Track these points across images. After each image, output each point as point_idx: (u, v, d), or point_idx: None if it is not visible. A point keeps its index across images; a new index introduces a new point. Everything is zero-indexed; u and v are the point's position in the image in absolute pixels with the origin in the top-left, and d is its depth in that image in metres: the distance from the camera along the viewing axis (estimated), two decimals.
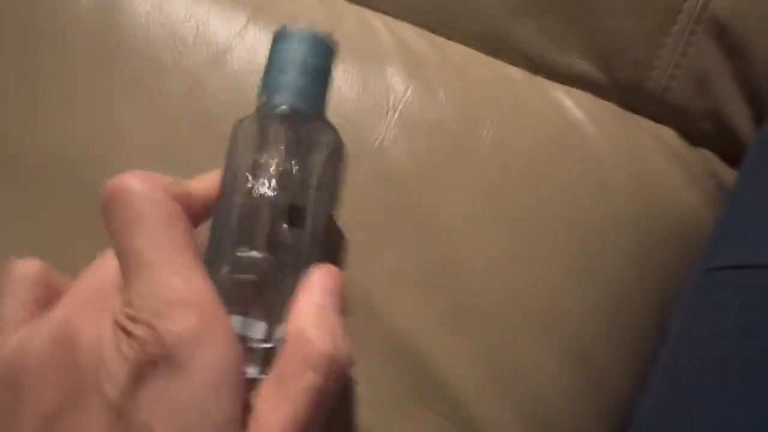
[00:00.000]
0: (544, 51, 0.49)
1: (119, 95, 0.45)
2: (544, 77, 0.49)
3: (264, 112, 0.37)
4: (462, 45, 0.50)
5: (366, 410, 0.42)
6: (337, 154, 0.38)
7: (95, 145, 0.44)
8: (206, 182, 0.37)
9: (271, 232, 0.36)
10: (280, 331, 0.34)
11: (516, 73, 0.49)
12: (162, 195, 0.34)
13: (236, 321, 0.34)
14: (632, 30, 0.48)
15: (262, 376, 0.34)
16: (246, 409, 0.32)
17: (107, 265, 0.35)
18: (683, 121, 0.49)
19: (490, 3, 0.49)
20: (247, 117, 0.38)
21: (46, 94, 0.45)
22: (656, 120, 0.49)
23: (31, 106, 0.45)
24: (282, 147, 0.36)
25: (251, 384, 0.33)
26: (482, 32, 0.49)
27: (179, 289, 0.32)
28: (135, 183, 0.33)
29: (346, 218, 0.43)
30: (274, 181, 0.36)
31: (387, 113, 0.46)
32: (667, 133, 0.49)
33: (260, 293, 0.35)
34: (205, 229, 0.37)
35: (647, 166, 0.47)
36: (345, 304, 0.36)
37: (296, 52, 0.38)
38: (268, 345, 0.34)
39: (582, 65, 0.49)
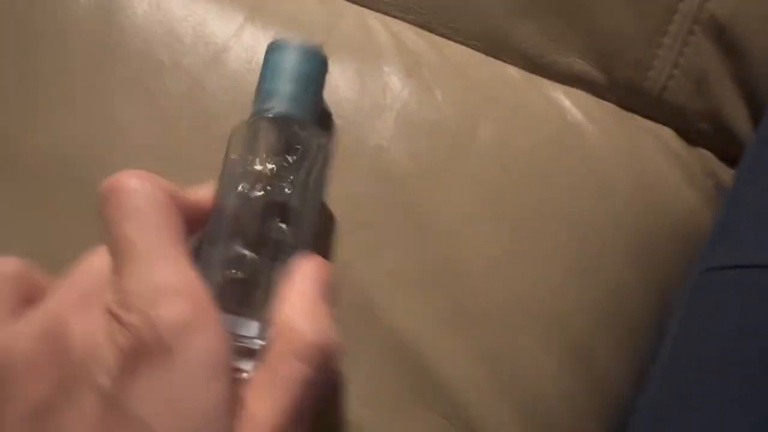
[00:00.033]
0: (543, 51, 0.49)
1: (119, 95, 0.45)
2: (542, 77, 0.49)
3: (255, 117, 0.40)
4: (461, 45, 0.50)
5: (366, 410, 0.42)
6: (323, 154, 0.40)
7: (95, 145, 0.44)
8: (202, 192, 0.38)
9: (260, 231, 0.37)
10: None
11: (515, 72, 0.49)
12: (158, 192, 0.34)
13: (230, 320, 0.34)
14: (631, 30, 0.48)
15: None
16: (237, 401, 0.32)
17: (96, 260, 0.35)
18: (682, 121, 0.49)
19: (489, 3, 0.49)
20: (242, 122, 0.40)
21: (46, 94, 0.45)
22: (654, 120, 0.49)
23: (31, 106, 0.45)
24: (271, 149, 0.38)
25: (244, 380, 0.34)
26: (481, 32, 0.49)
27: (171, 279, 0.32)
28: (133, 179, 0.34)
29: (345, 218, 0.43)
30: (263, 182, 0.37)
31: (385, 113, 0.46)
32: (666, 133, 0.49)
33: (252, 292, 0.36)
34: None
35: (647, 166, 0.47)
36: (332, 294, 0.36)
37: (286, 63, 0.40)
38: (262, 343, 0.35)
39: (581, 65, 0.49)
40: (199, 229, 0.37)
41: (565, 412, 0.43)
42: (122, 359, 0.30)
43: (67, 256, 0.36)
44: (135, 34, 0.46)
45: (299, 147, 0.38)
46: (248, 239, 0.36)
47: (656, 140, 0.48)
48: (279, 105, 0.40)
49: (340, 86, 0.46)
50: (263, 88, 0.41)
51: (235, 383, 0.32)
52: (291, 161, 0.38)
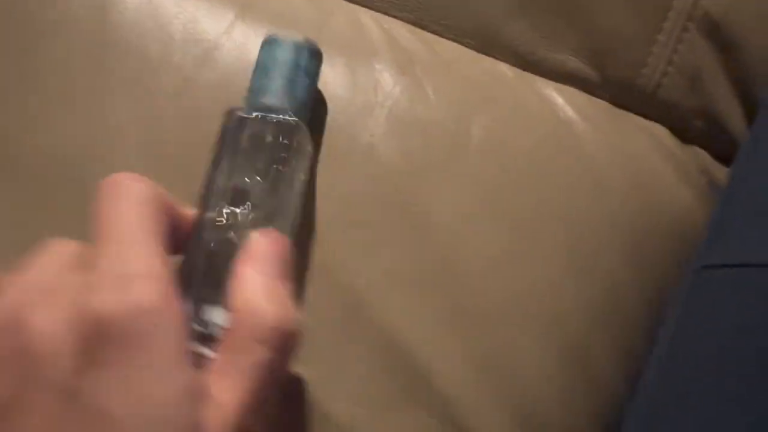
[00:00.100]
0: (535, 48, 0.49)
1: (111, 94, 0.45)
2: (535, 74, 0.49)
3: (241, 110, 0.40)
4: (453, 42, 0.49)
5: (358, 409, 0.42)
6: (305, 147, 0.40)
7: (95, 144, 0.44)
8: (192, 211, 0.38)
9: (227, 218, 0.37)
10: None
11: (507, 70, 0.49)
12: (150, 190, 0.34)
13: (196, 307, 0.35)
14: (625, 27, 0.48)
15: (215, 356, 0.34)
16: (203, 388, 0.32)
17: (55, 252, 0.34)
18: (675, 118, 0.49)
19: (481, 0, 0.49)
20: (233, 112, 0.40)
21: (45, 94, 0.45)
22: (648, 118, 0.49)
23: (31, 106, 0.45)
24: (252, 142, 0.39)
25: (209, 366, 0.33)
26: (474, 29, 0.49)
27: (140, 264, 0.32)
28: (129, 177, 0.34)
29: (337, 216, 0.43)
30: (240, 173, 0.38)
31: (376, 110, 0.45)
32: (660, 131, 0.49)
33: (219, 278, 0.35)
34: None
35: (642, 164, 0.47)
36: (290, 269, 0.36)
37: (277, 57, 0.41)
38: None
39: (574, 62, 0.49)
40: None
41: (559, 411, 0.43)
42: (81, 350, 0.30)
43: None
44: (128, 30, 0.46)
45: (283, 140, 0.39)
46: (223, 207, 0.37)
47: (650, 138, 0.48)
48: (268, 98, 0.40)
49: (331, 84, 0.45)
50: (253, 82, 0.41)
51: (200, 370, 0.32)
52: (269, 152, 0.38)
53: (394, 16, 0.50)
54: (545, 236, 0.45)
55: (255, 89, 0.41)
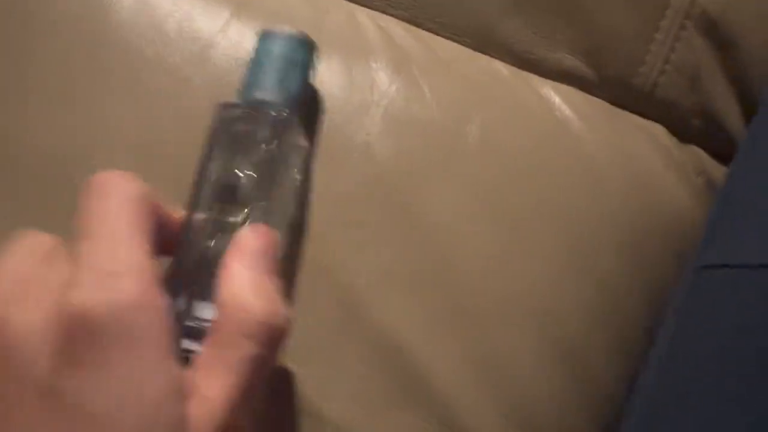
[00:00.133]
0: (532, 47, 0.49)
1: (116, 93, 0.45)
2: (531, 73, 0.49)
3: (234, 103, 0.40)
4: (449, 40, 0.49)
5: (353, 408, 0.42)
6: (298, 142, 0.40)
7: (92, 143, 0.44)
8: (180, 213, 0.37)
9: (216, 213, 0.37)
10: None
11: (503, 68, 0.49)
12: (137, 189, 0.34)
13: (184, 303, 0.35)
14: (622, 25, 0.48)
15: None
16: (189, 385, 0.31)
17: (30, 244, 0.34)
18: (673, 117, 0.49)
19: None
20: (225, 104, 0.40)
21: (43, 93, 0.45)
22: (645, 116, 0.49)
23: (31, 105, 0.45)
24: (243, 137, 0.39)
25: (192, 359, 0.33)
26: (470, 27, 0.49)
27: (124, 260, 0.31)
28: (117, 175, 0.34)
29: (333, 215, 0.43)
30: (232, 168, 0.38)
31: (372, 109, 0.45)
32: (657, 130, 0.49)
33: (208, 274, 0.35)
34: None
35: (640, 164, 0.47)
36: (278, 264, 0.35)
37: (271, 50, 0.41)
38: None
39: (570, 61, 0.49)
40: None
41: (556, 412, 0.43)
42: (62, 348, 0.30)
43: None
44: (125, 29, 0.46)
45: (275, 134, 0.39)
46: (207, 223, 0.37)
47: (648, 137, 0.48)
48: (260, 93, 0.40)
49: (327, 83, 0.45)
50: (246, 76, 0.41)
51: (186, 366, 0.32)
52: (261, 147, 0.38)
53: (390, 14, 0.49)
54: (543, 235, 0.45)
55: (248, 83, 0.41)
